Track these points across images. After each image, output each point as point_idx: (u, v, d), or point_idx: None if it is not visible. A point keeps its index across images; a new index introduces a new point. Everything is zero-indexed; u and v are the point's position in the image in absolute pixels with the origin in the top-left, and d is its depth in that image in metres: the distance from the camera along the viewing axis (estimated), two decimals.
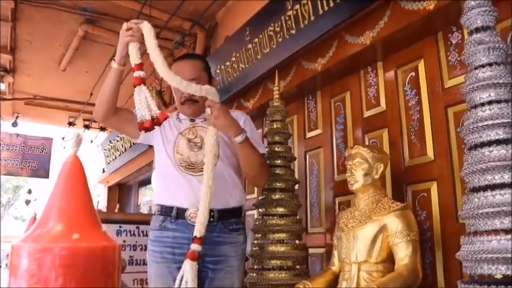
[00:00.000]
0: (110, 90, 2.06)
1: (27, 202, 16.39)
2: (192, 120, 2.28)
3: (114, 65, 2.03)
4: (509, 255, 1.47)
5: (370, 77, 3.02)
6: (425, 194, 2.49)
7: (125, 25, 1.94)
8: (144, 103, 1.74)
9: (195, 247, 1.88)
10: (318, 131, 3.47)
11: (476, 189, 1.62)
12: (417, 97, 2.64)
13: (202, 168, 2.01)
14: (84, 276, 0.73)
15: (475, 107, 1.68)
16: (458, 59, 2.41)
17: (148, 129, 1.74)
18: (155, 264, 2.15)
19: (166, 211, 2.17)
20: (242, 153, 2.12)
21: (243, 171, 2.26)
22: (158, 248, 2.15)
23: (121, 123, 2.26)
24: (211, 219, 2.03)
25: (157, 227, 2.18)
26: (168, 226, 2.15)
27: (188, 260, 1.85)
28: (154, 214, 2.25)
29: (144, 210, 8.17)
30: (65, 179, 0.82)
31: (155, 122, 1.72)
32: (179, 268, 2.03)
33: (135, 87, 1.78)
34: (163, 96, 5.47)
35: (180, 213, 2.12)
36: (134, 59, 1.86)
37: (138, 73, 1.81)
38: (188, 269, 1.83)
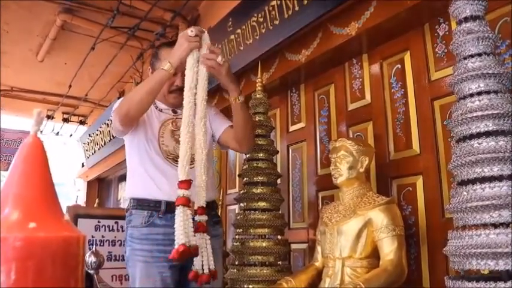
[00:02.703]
0: (154, 93, 1.95)
1: None
2: (174, 112, 2.18)
3: (168, 67, 1.89)
4: (499, 250, 1.42)
5: (355, 69, 2.97)
6: (411, 188, 2.45)
7: (192, 30, 1.87)
8: (182, 227, 1.67)
9: (202, 217, 1.81)
10: (301, 125, 3.41)
11: (464, 182, 1.58)
12: (403, 90, 2.60)
13: (189, 161, 1.93)
14: (42, 270, 0.64)
15: (464, 98, 1.64)
16: (445, 51, 2.37)
17: (180, 258, 1.65)
18: (143, 263, 1.99)
19: (152, 206, 2.03)
20: (242, 113, 2.07)
21: (236, 132, 2.18)
22: (147, 247, 1.99)
23: (132, 127, 2.10)
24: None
25: (143, 223, 2.02)
26: (156, 222, 2.01)
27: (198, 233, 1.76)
28: (133, 209, 2.07)
29: (123, 205, 8.05)
30: (23, 161, 0.73)
31: (189, 253, 1.66)
32: (171, 267, 1.96)
33: (177, 206, 1.70)
34: None
35: (169, 207, 1.96)
36: (190, 69, 1.85)
37: (182, 192, 1.73)
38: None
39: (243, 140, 2.22)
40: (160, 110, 2.18)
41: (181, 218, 1.69)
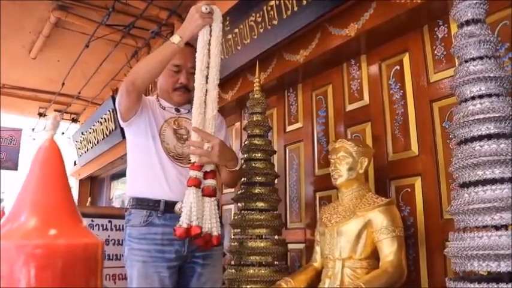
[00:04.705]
0: (161, 64, 1.94)
1: None
2: (177, 110, 2.17)
3: (179, 41, 1.88)
4: (501, 252, 1.43)
5: (353, 70, 2.98)
6: (409, 190, 2.46)
7: (205, 6, 1.87)
8: (188, 209, 1.75)
9: (210, 182, 1.86)
10: (299, 125, 3.41)
11: (466, 185, 1.59)
12: (402, 91, 2.61)
13: (190, 161, 1.93)
14: (63, 278, 0.63)
15: (465, 100, 1.65)
16: (445, 53, 2.38)
17: (180, 237, 1.74)
18: (141, 263, 1.96)
19: (151, 205, 2.00)
20: (231, 174, 2.12)
21: (225, 181, 2.26)
22: (145, 246, 1.97)
23: (138, 102, 2.05)
24: None
25: (141, 223, 1.99)
26: (155, 222, 1.98)
27: (206, 197, 1.83)
28: (132, 208, 2.05)
29: (116, 204, 8.01)
30: (40, 166, 0.71)
31: (187, 234, 1.72)
32: (169, 267, 1.95)
33: (189, 187, 1.78)
34: None
35: (168, 207, 1.97)
36: (200, 50, 1.87)
37: (195, 173, 1.81)
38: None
39: (228, 185, 2.43)
40: (164, 108, 2.16)
41: (191, 199, 1.76)
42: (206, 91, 1.89)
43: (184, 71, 2.11)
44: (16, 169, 8.95)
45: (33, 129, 8.72)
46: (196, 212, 1.76)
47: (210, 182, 1.86)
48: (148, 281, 1.93)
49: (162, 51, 1.93)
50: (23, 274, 0.62)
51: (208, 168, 1.88)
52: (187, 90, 2.15)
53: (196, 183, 1.81)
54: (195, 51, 1.95)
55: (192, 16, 1.90)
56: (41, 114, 8.21)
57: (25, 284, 0.61)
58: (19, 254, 0.62)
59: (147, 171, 2.05)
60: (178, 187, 1.97)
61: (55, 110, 8.10)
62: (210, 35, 1.92)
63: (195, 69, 1.94)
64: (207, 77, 1.90)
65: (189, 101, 2.08)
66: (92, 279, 0.67)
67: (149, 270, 1.95)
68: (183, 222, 1.73)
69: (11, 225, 0.67)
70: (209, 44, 1.91)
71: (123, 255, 2.08)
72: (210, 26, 1.92)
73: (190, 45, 2.13)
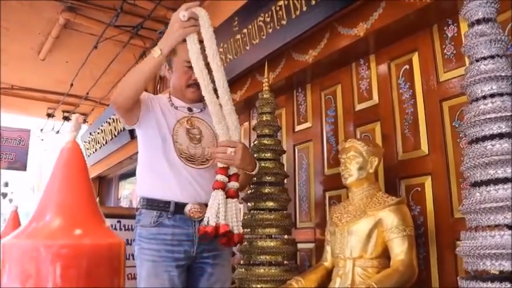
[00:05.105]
0: (145, 79, 1.91)
1: (4, 195, 15.98)
2: (190, 110, 2.16)
3: (158, 54, 1.82)
4: None
5: (362, 69, 2.98)
6: (419, 189, 2.46)
7: (182, 13, 1.74)
8: (215, 209, 1.79)
9: (233, 184, 1.89)
10: (308, 125, 3.42)
11: (478, 184, 1.59)
12: (411, 90, 2.61)
13: (203, 162, 1.96)
14: (87, 277, 0.64)
15: (477, 100, 1.65)
16: (454, 52, 2.38)
17: (209, 235, 1.78)
18: (150, 263, 1.97)
19: (161, 206, 2.00)
20: (246, 177, 2.12)
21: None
22: (155, 246, 1.98)
23: (133, 111, 2.04)
24: None
25: (152, 223, 1.99)
26: (165, 222, 1.98)
27: (229, 198, 1.85)
28: (142, 208, 2.05)
29: (124, 204, 8.04)
30: (64, 167, 0.72)
31: (216, 232, 1.77)
32: (178, 266, 1.96)
33: (215, 189, 1.83)
34: (146, 87, 5.37)
35: (179, 208, 1.98)
36: (196, 58, 1.78)
37: (222, 177, 1.86)
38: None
39: (240, 188, 2.37)
40: (176, 108, 2.13)
41: (218, 200, 1.80)
42: (220, 105, 1.89)
43: None
44: (25, 169, 9.00)
45: (41, 130, 8.78)
46: (224, 212, 1.80)
47: (232, 184, 1.89)
48: (158, 280, 1.94)
49: (145, 65, 1.91)
50: (49, 273, 0.63)
51: (231, 171, 1.91)
52: (200, 86, 2.14)
53: (223, 186, 1.86)
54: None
55: (172, 26, 1.80)
56: (49, 115, 8.26)
57: (51, 284, 0.63)
58: (46, 253, 0.63)
59: (158, 172, 2.04)
60: (189, 189, 1.99)
61: (63, 111, 8.15)
62: (201, 44, 1.82)
63: (207, 65, 1.90)
64: (215, 90, 1.86)
65: (201, 99, 2.08)
66: (115, 279, 0.68)
67: (159, 269, 1.95)
68: (211, 220, 1.77)
69: (37, 225, 0.68)
70: (205, 56, 1.82)
71: (132, 255, 2.09)
72: (199, 34, 1.81)
73: (201, 41, 2.14)
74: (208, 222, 1.77)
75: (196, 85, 2.07)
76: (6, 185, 15.66)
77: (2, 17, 5.20)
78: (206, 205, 1.88)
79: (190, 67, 2.03)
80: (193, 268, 2.04)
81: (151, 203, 2.03)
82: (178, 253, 1.96)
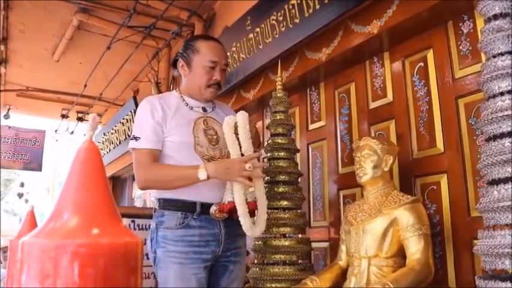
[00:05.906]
0: (178, 187, 1.99)
1: (20, 195, 16.19)
2: (204, 110, 2.17)
3: (203, 179, 1.92)
4: None
5: (376, 67, 2.96)
6: (435, 187, 2.44)
7: (249, 165, 1.89)
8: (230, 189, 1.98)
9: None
10: (321, 123, 3.40)
11: (495, 182, 1.57)
12: (426, 88, 2.58)
13: None
14: (105, 277, 0.64)
15: (494, 96, 1.63)
16: (470, 48, 2.34)
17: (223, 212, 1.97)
18: (177, 265, 1.95)
19: (186, 207, 2.00)
20: None
21: None
22: (183, 248, 1.96)
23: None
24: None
25: (177, 225, 1.98)
26: (191, 223, 1.98)
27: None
28: (165, 209, 2.03)
29: (138, 203, 8.08)
30: (81, 166, 0.73)
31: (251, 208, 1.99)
32: (206, 267, 1.97)
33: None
34: (160, 87, 5.40)
35: (204, 209, 1.98)
36: (240, 197, 1.94)
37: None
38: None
39: None
40: (191, 108, 2.14)
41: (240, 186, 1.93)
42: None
43: (218, 68, 2.11)
44: (40, 170, 9.11)
45: (56, 131, 8.87)
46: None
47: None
48: (186, 282, 1.94)
49: (186, 180, 1.96)
50: (67, 273, 0.63)
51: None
52: (219, 86, 2.16)
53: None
54: (224, 48, 2.17)
55: (232, 166, 1.92)
56: (63, 116, 8.33)
57: (69, 283, 0.63)
58: (63, 252, 0.64)
59: None
60: (213, 189, 1.99)
61: (77, 112, 8.22)
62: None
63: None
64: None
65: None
66: (132, 279, 0.68)
67: (187, 271, 1.95)
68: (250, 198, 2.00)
69: (55, 224, 0.69)
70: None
71: (146, 254, 2.09)
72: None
73: (219, 42, 2.21)
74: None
75: (216, 85, 2.11)
76: (22, 185, 15.87)
77: (17, 20, 5.26)
78: None
79: (213, 67, 2.06)
80: (216, 267, 2.05)
81: (174, 204, 2.02)
82: (206, 254, 1.97)
